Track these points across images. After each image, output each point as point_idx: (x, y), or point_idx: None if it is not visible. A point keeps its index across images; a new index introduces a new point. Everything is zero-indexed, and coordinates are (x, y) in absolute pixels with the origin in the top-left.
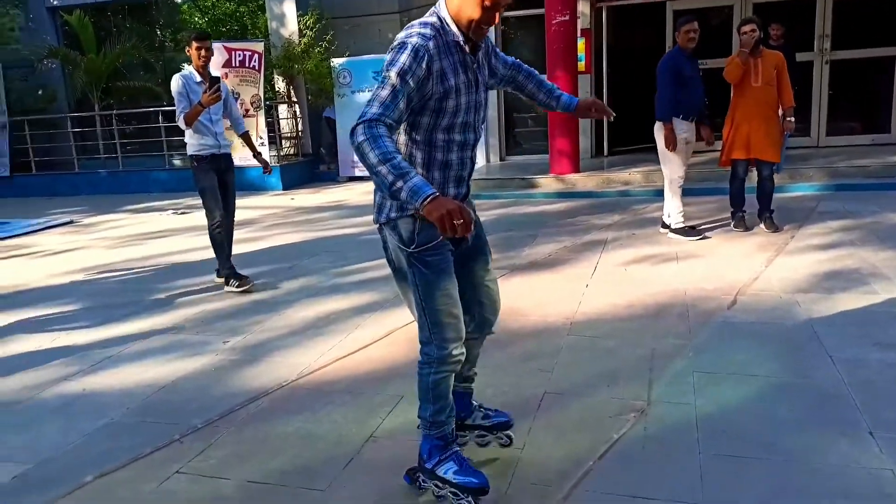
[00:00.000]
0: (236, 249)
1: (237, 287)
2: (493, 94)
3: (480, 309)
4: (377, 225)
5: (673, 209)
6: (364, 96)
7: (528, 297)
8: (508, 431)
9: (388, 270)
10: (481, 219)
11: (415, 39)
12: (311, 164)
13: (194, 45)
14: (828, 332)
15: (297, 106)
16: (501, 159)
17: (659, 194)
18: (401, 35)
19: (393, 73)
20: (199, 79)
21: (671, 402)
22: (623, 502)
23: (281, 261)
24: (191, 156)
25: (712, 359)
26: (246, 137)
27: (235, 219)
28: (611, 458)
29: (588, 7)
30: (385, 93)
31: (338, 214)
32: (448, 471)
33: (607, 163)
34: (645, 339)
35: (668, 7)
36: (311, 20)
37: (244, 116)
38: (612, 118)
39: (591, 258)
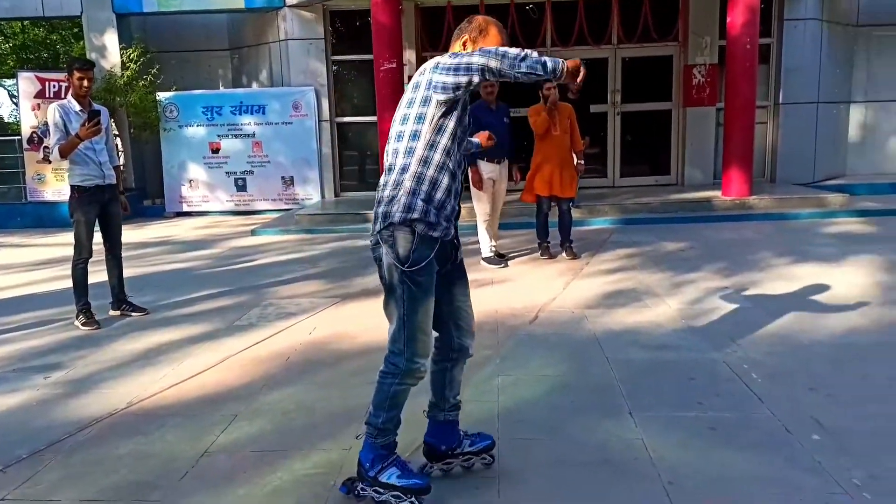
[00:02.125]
0: (51, 286)
1: (81, 324)
2: (326, 130)
3: (458, 332)
4: (373, 240)
5: (482, 241)
6: (193, 130)
7: (358, 321)
8: (492, 451)
9: (220, 302)
10: (316, 252)
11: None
12: (135, 199)
13: (76, 73)
14: (606, 339)
15: (118, 139)
16: (336, 195)
17: None
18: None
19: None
20: (78, 108)
21: (479, 401)
22: (434, 482)
23: (103, 297)
24: (73, 186)
25: (514, 365)
26: (117, 171)
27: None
28: None
29: (414, 56)
30: (492, 50)
31: (165, 250)
32: (391, 475)
33: None
34: None
35: None
36: (135, 53)
37: None
38: (493, 142)
39: None
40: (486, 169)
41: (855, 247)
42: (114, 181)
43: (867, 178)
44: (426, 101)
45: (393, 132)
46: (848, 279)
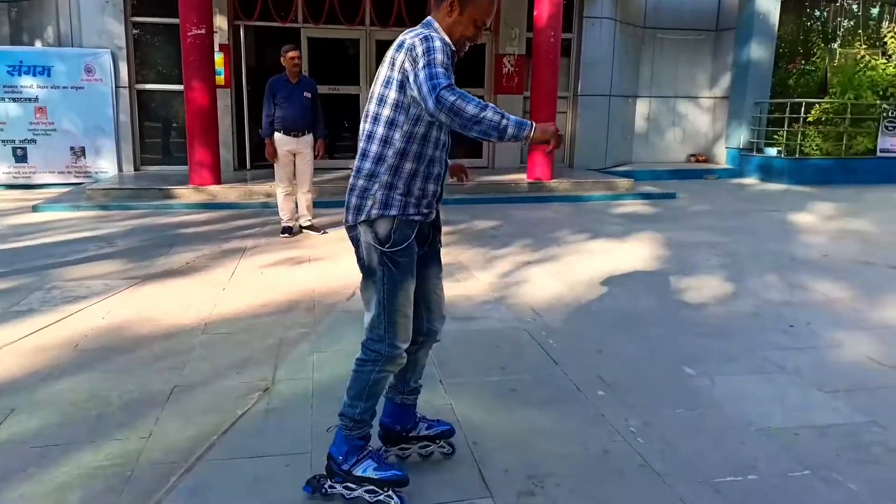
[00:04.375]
0: None
1: None
2: (124, 97)
3: (428, 315)
4: (349, 224)
5: (280, 210)
6: None
7: (161, 303)
8: (451, 440)
9: None
10: (112, 231)
11: (437, 38)
12: None
13: None
14: None
15: None
16: (136, 168)
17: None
18: (415, 33)
19: (438, 55)
20: None
21: (293, 379)
22: (243, 463)
23: None
24: None
25: (330, 341)
26: None
27: None
28: (235, 431)
29: (226, 23)
30: (439, 69)
31: None
32: (367, 468)
33: (250, 176)
34: (275, 330)
35: (302, 33)
36: None
37: None
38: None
39: (230, 264)
40: (282, 142)
41: (638, 225)
42: None
43: (649, 166)
44: (402, 88)
45: (370, 110)
46: (632, 253)
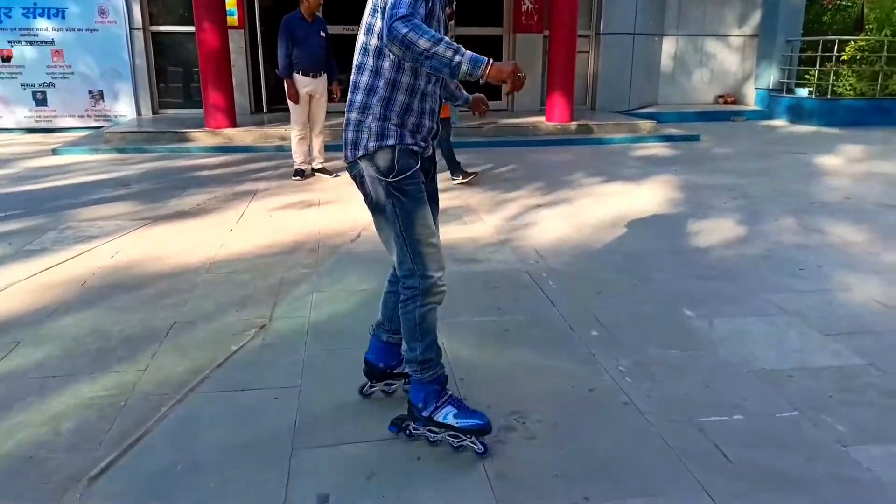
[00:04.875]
0: None
1: None
2: (139, 39)
3: None
4: (350, 161)
5: (294, 153)
6: None
7: (170, 243)
8: None
9: (8, 226)
10: (127, 173)
11: None
12: None
13: None
14: None
15: None
16: (154, 112)
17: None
18: None
19: None
20: None
21: (289, 317)
22: (233, 395)
23: None
24: None
25: (331, 281)
26: None
27: None
28: (229, 365)
29: None
30: (399, 34)
31: None
32: (448, 415)
33: (267, 119)
34: (278, 270)
35: None
36: None
37: None
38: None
39: (240, 206)
40: (302, 83)
41: (656, 168)
42: None
43: (676, 107)
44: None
45: (359, 41)
46: (647, 196)
